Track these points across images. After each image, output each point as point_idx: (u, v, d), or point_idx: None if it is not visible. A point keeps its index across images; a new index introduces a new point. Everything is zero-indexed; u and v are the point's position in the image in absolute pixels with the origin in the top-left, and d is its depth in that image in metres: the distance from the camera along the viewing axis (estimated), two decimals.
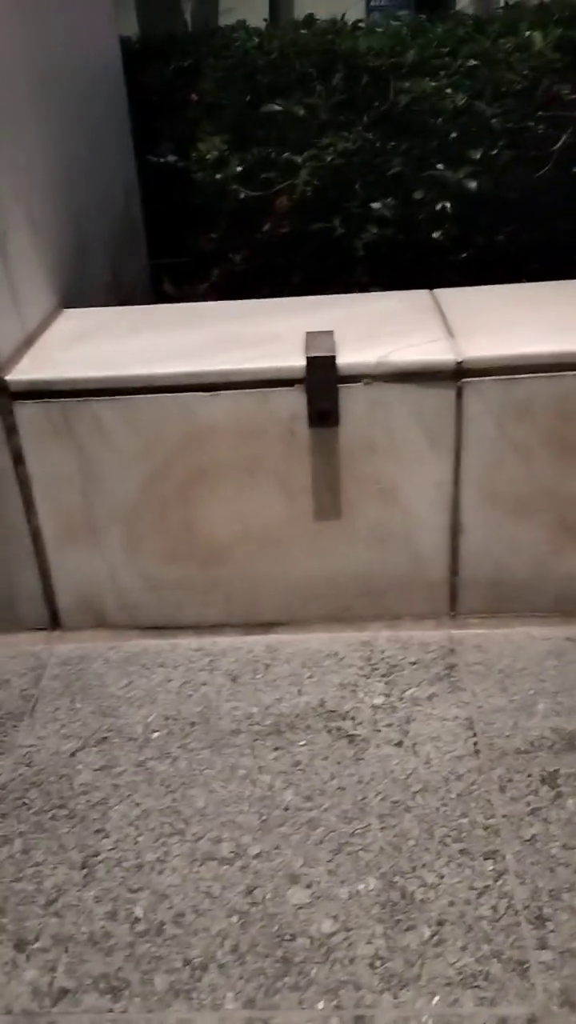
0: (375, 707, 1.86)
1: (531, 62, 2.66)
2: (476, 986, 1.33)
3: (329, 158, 2.74)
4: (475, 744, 1.75)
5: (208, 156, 2.89)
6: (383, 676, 1.94)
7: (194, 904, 1.48)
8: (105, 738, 1.84)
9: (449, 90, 2.70)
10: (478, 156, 2.67)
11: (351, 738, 1.79)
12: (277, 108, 2.78)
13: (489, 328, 1.97)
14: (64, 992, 1.36)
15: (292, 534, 2.00)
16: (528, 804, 1.62)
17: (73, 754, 1.81)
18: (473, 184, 2.65)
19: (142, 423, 1.90)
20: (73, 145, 2.52)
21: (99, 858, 1.58)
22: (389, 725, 1.81)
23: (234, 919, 1.46)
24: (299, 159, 2.77)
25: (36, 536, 2.04)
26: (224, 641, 2.08)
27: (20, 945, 1.44)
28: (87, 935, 1.45)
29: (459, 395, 1.86)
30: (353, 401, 1.86)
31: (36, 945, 1.44)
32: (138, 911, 1.48)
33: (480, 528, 1.99)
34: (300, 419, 1.88)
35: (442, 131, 2.72)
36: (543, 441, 1.89)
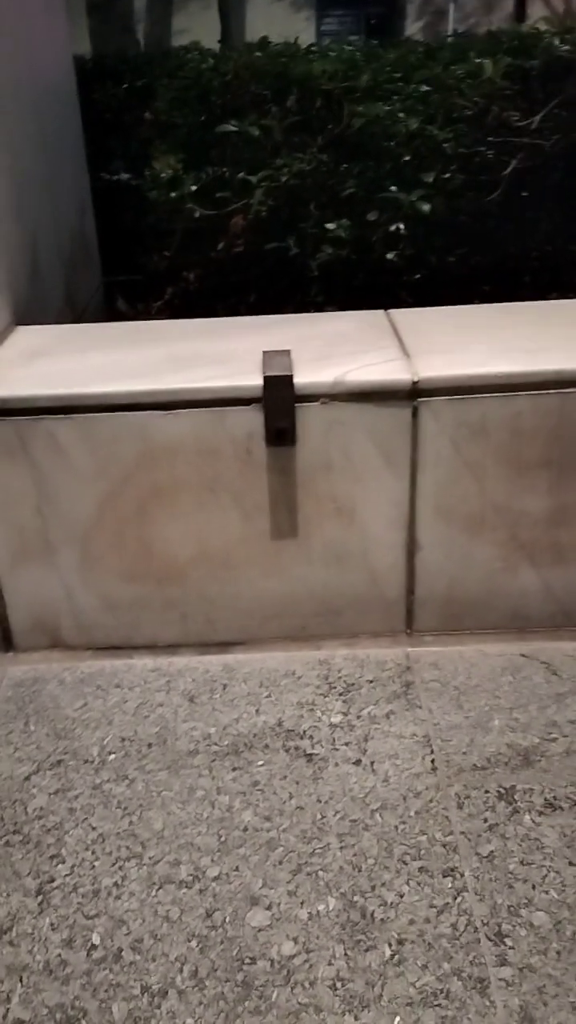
0: (333, 726, 1.86)
1: (481, 89, 2.72)
2: (437, 1005, 1.33)
3: (284, 179, 2.77)
4: (432, 761, 1.76)
5: (163, 175, 2.89)
6: (340, 695, 1.94)
7: (152, 929, 1.46)
8: (60, 761, 1.81)
9: (402, 114, 2.75)
10: (431, 179, 2.71)
11: (309, 757, 1.78)
12: (232, 128, 2.80)
13: (443, 349, 2.00)
14: (20, 1023, 1.33)
15: (249, 553, 2.00)
16: (485, 820, 1.63)
17: (27, 778, 1.77)
18: (426, 206, 2.69)
19: (99, 441, 1.89)
20: (27, 160, 2.50)
21: (55, 884, 1.55)
22: (347, 743, 1.81)
23: (193, 943, 1.44)
24: (254, 179, 2.79)
25: None
26: (181, 661, 2.07)
27: None
28: (43, 964, 1.42)
29: (415, 414, 1.88)
30: (310, 420, 1.87)
31: None
32: (95, 938, 1.45)
33: (435, 546, 2.01)
34: (257, 438, 1.88)
35: (395, 154, 2.76)
36: (496, 459, 1.92)
